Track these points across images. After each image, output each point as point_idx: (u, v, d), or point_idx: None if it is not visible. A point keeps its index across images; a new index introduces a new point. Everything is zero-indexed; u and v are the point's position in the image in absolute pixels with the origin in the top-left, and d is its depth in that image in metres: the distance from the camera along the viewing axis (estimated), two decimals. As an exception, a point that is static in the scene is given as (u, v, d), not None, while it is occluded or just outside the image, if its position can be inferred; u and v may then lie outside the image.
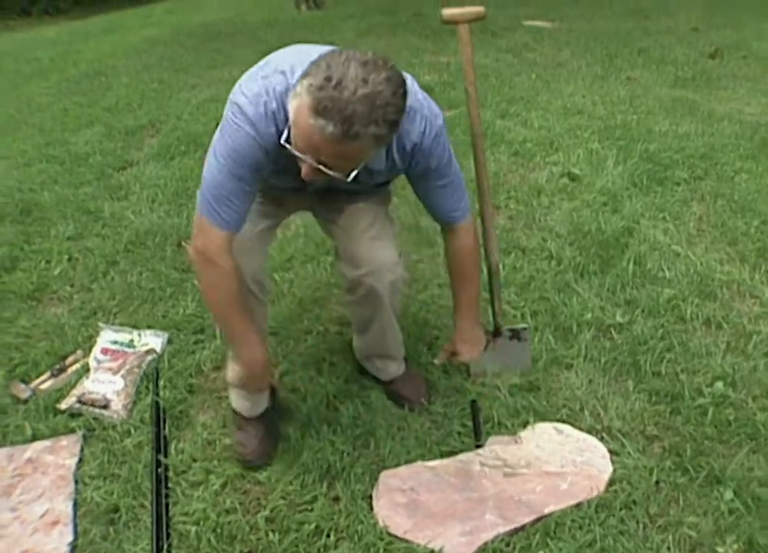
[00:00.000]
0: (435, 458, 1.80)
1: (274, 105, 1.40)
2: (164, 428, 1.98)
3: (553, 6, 8.41)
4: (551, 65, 5.73)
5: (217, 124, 1.52)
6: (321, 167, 1.32)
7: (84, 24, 10.95)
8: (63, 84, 6.13)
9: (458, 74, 5.28)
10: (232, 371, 1.85)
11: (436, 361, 2.00)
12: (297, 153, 1.33)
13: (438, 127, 1.52)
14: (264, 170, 1.52)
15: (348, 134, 1.23)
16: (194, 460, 1.87)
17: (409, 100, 1.41)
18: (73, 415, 2.07)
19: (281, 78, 1.40)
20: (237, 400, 1.92)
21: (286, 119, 1.35)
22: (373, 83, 1.21)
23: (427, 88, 4.88)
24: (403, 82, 1.30)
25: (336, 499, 1.72)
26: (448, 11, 1.73)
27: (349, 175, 1.36)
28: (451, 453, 1.82)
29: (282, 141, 1.36)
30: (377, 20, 7.98)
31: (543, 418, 1.92)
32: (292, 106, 1.29)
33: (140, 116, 4.79)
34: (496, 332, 2.08)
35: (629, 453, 1.78)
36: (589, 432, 1.87)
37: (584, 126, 4.11)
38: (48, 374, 2.25)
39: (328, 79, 1.21)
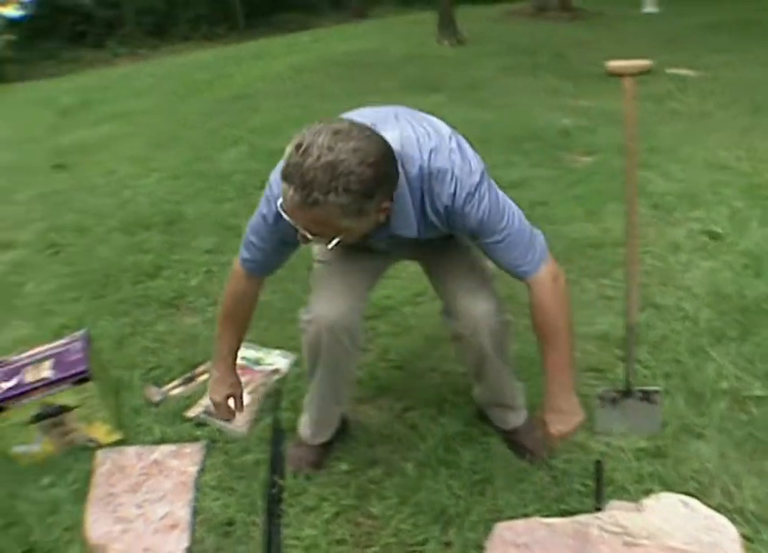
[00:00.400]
0: (552, 515, 1.74)
1: None
2: (282, 449, 2.03)
3: (697, 54, 8.13)
4: (694, 115, 5.52)
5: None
6: (306, 232, 1.35)
7: (236, 50, 11.59)
8: (215, 104, 6.52)
9: (599, 118, 5.21)
10: (308, 397, 1.96)
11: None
12: (286, 217, 1.34)
13: (470, 186, 1.45)
14: (292, 241, 1.54)
15: (307, 201, 1.24)
16: (309, 484, 1.90)
17: (439, 161, 1.43)
18: (198, 424, 2.17)
19: None
20: (303, 426, 2.00)
21: None
22: (338, 151, 1.22)
23: (565, 132, 4.85)
24: (377, 153, 1.28)
25: (448, 544, 1.69)
26: (614, 64, 1.70)
27: (330, 242, 1.36)
28: (569, 513, 1.75)
29: (278, 206, 1.37)
30: (518, 59, 7.99)
31: (669, 488, 1.81)
32: None
33: (283, 139, 4.97)
34: (626, 392, 2.00)
35: (764, 541, 1.66)
36: (718, 510, 1.74)
37: (728, 182, 3.92)
38: (179, 380, 2.36)
39: (298, 146, 1.23)
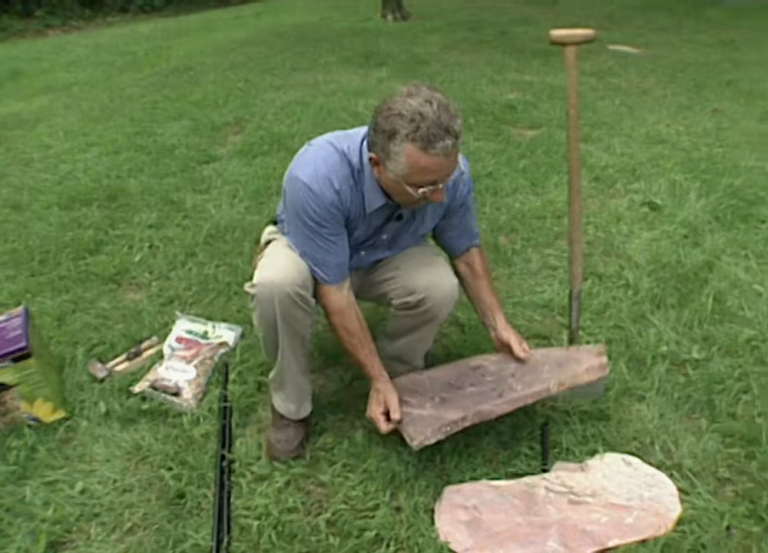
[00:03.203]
0: (500, 478, 1.79)
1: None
2: (231, 422, 2.02)
3: (639, 32, 8.28)
4: (635, 92, 5.63)
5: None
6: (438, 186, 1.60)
7: (176, 22, 11.27)
8: (154, 77, 6.33)
9: (542, 94, 5.27)
10: (275, 373, 1.91)
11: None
12: (417, 193, 1.59)
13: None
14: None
15: (457, 135, 1.51)
16: (260, 455, 1.90)
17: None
18: (145, 398, 2.13)
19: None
20: (281, 403, 1.94)
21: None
22: (428, 98, 1.50)
23: (510, 106, 4.88)
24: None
25: (398, 509, 1.72)
26: (556, 33, 1.72)
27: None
28: (517, 475, 1.80)
29: (383, 203, 1.71)
30: (462, 35, 7.98)
31: (612, 448, 1.88)
32: (396, 161, 1.55)
33: (225, 113, 4.91)
34: (570, 358, 2.04)
35: (699, 494, 1.73)
36: (658, 467, 1.83)
37: (667, 156, 4.02)
38: (124, 356, 2.32)
39: (414, 118, 1.48)
